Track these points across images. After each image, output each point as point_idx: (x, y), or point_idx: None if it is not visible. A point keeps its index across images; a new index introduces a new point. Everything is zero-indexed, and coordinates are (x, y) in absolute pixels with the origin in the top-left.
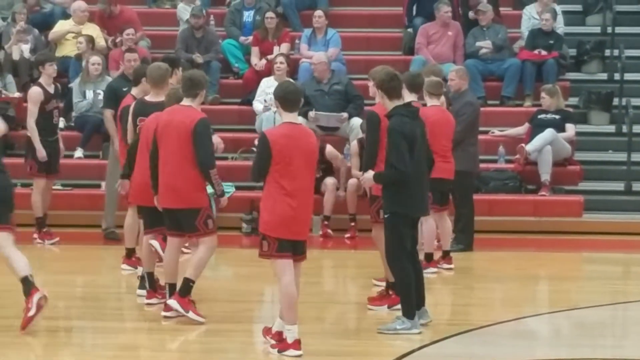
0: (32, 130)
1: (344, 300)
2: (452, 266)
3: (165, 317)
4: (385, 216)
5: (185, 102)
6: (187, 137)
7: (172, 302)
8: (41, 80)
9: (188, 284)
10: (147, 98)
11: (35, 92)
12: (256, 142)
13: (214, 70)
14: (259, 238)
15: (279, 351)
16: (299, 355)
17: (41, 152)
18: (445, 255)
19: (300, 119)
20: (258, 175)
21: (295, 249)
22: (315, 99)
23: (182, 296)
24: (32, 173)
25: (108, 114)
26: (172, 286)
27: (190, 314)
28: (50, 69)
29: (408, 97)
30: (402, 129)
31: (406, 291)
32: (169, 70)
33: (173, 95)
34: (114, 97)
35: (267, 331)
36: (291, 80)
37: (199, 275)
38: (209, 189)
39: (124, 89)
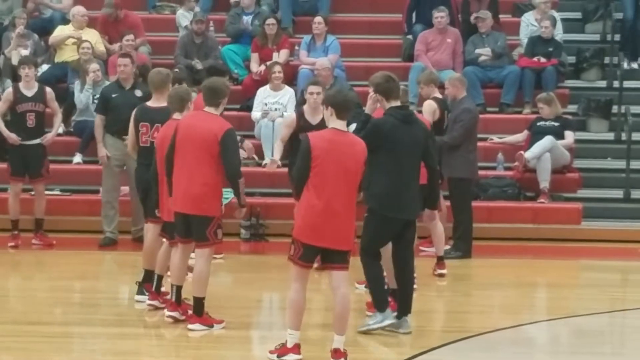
0: None
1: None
2: (444, 271)
3: (170, 316)
4: (365, 215)
5: (209, 110)
6: (213, 144)
7: (195, 327)
8: (20, 82)
9: (200, 302)
10: (149, 103)
11: (6, 91)
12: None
13: None
14: (290, 241)
15: (278, 356)
16: None
17: (9, 135)
18: (439, 261)
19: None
20: (299, 177)
21: (328, 258)
22: None
23: (200, 315)
24: (7, 176)
25: (97, 119)
26: (178, 288)
27: (215, 327)
28: (24, 72)
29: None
30: (379, 126)
31: (374, 285)
32: (170, 75)
33: (175, 96)
34: (104, 103)
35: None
36: (347, 87)
37: (206, 289)
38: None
39: (113, 95)
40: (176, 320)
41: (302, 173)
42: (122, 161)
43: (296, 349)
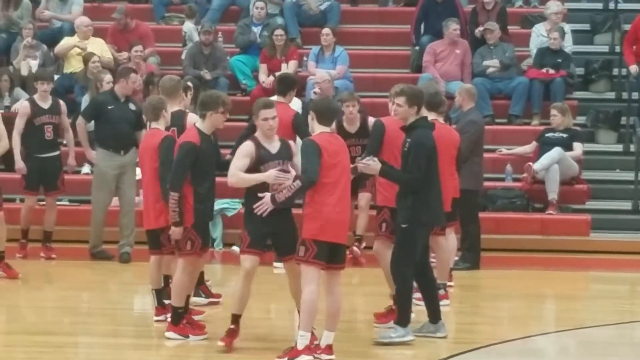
0: (14, 143)
1: (350, 318)
2: (452, 283)
3: (168, 338)
4: (404, 226)
5: (196, 123)
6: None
7: (170, 334)
8: (35, 95)
9: (176, 312)
10: None
11: (22, 106)
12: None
13: (221, 87)
14: (298, 244)
15: (289, 359)
16: None
17: (19, 164)
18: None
19: None
20: (314, 175)
21: (333, 256)
22: None
23: (176, 324)
24: (21, 189)
25: (83, 123)
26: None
27: (191, 338)
28: (42, 87)
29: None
30: (427, 142)
31: (404, 300)
32: (181, 81)
33: (148, 106)
34: (95, 111)
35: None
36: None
37: (184, 299)
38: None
39: (110, 107)
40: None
41: (318, 170)
42: (117, 177)
43: (307, 350)
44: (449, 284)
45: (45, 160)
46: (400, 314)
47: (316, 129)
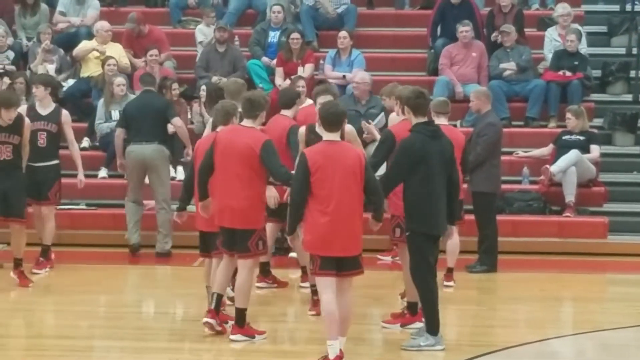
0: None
1: (363, 320)
2: (451, 284)
3: (207, 323)
4: (407, 234)
5: (246, 123)
6: (250, 158)
7: (237, 337)
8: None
9: (242, 313)
10: None
11: (19, 109)
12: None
13: None
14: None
15: None
16: None
17: None
18: (448, 272)
19: None
20: (298, 194)
21: (340, 266)
22: (350, 119)
23: (241, 326)
24: None
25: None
26: (219, 296)
27: (257, 338)
28: (34, 90)
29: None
30: (409, 146)
31: (430, 307)
32: (245, 85)
33: (221, 110)
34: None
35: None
36: (336, 101)
37: (248, 300)
38: None
39: None
40: (212, 328)
41: (301, 187)
42: None
43: (337, 359)
44: (446, 283)
45: (36, 170)
46: (427, 322)
47: (322, 135)
